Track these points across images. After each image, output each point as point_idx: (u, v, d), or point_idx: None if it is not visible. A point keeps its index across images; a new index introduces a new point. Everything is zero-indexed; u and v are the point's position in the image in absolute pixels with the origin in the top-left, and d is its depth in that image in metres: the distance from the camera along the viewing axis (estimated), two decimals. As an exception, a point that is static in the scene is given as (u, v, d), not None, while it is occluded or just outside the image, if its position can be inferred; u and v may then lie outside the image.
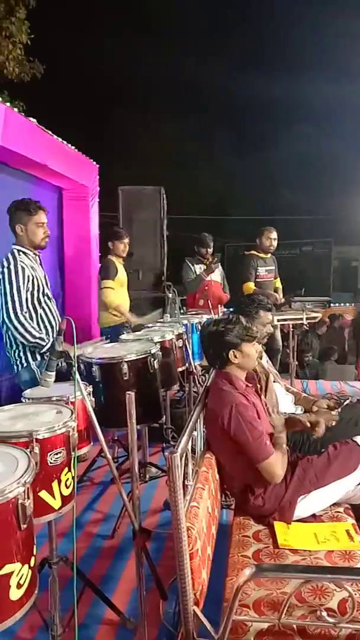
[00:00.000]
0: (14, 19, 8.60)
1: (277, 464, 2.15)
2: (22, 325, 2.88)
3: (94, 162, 5.87)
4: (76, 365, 2.02)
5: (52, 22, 10.44)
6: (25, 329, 2.89)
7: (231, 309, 5.84)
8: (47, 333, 3.03)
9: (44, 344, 2.92)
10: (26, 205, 3.06)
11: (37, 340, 2.92)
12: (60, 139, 4.89)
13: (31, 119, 4.35)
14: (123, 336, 3.65)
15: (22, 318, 2.88)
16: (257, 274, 5.41)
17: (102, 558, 2.72)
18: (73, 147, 5.23)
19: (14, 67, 8.82)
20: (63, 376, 2.20)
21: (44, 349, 2.92)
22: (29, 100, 8.93)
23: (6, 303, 2.87)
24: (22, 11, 8.74)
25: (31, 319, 2.98)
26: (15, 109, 4.26)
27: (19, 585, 1.33)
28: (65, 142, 5.01)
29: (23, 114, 4.35)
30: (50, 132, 4.66)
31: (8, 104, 4.03)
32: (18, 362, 3.04)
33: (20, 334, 2.89)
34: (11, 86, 9.17)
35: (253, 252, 5.51)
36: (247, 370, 2.43)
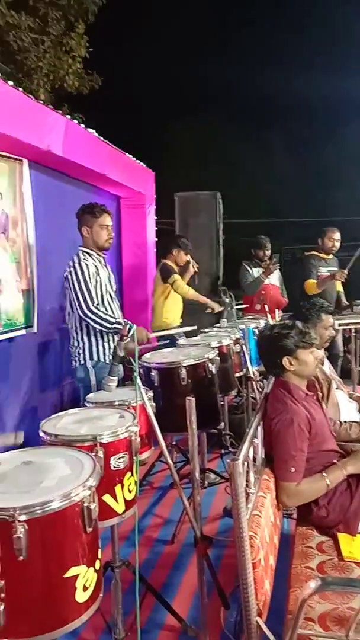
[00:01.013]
0: (74, 34, 8.89)
1: (289, 492, 2.06)
2: (97, 315, 3.04)
3: (151, 170, 5.95)
4: (137, 370, 2.04)
5: (109, 35, 10.70)
6: (101, 318, 3.05)
7: (289, 314, 5.73)
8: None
9: (121, 327, 3.04)
10: (92, 208, 3.27)
11: (115, 325, 3.06)
12: (118, 149, 4.99)
13: (90, 129, 4.47)
14: (180, 341, 3.67)
15: (94, 309, 3.04)
16: (319, 274, 5.27)
17: (162, 563, 2.73)
18: (130, 156, 5.32)
19: (74, 80, 9.12)
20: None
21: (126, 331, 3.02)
22: (88, 111, 9.20)
23: (78, 299, 3.05)
24: (81, 26, 9.02)
25: None
26: (75, 121, 4.38)
27: (84, 588, 1.35)
28: (122, 151, 5.11)
29: (83, 125, 4.47)
30: (108, 142, 4.77)
31: (68, 116, 4.16)
32: (76, 359, 3.19)
33: (98, 323, 3.05)
34: (70, 99, 9.47)
35: (314, 252, 5.38)
36: (305, 379, 2.34)
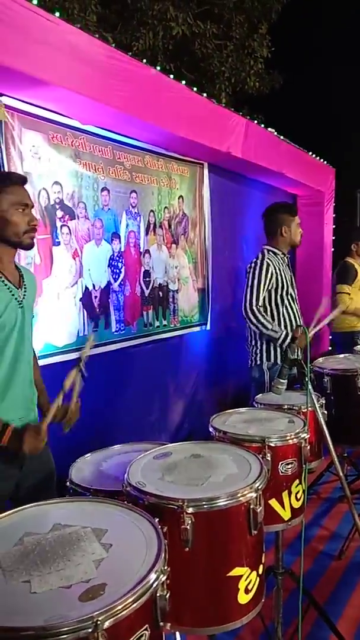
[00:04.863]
0: (256, 36, 8.91)
1: None
2: (256, 317, 3.01)
3: (331, 166, 5.71)
4: (309, 374, 1.96)
5: (291, 32, 10.48)
6: (258, 320, 3.01)
7: None
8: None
9: (276, 335, 3.00)
10: (289, 207, 3.29)
11: (270, 332, 3.01)
12: (297, 146, 4.88)
13: (270, 129, 4.44)
14: (358, 347, 3.45)
15: (255, 310, 3.02)
16: None
17: (328, 578, 2.60)
18: (310, 153, 5.17)
19: (254, 81, 9.14)
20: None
21: (279, 341, 3.01)
22: (268, 110, 9.16)
23: (245, 295, 3.06)
24: (264, 27, 9.00)
25: (272, 316, 3.09)
26: (255, 122, 4.39)
27: (247, 591, 1.34)
28: (302, 149, 4.99)
29: (262, 125, 4.47)
30: (287, 140, 4.69)
31: (248, 117, 4.19)
32: (253, 358, 3.19)
33: (254, 324, 3.03)
34: (251, 99, 9.52)
35: None
36: None
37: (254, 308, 3.01)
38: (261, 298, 3.03)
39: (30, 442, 1.63)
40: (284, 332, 2.98)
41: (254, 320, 3.02)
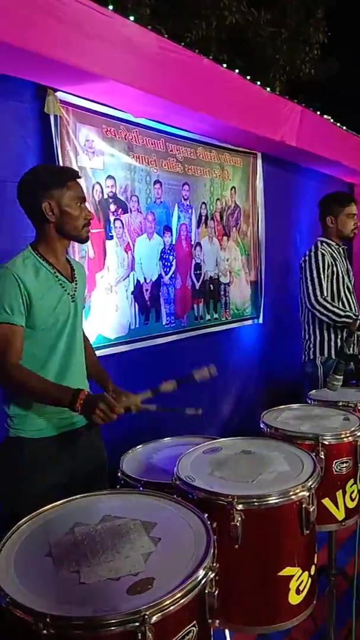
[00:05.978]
0: (312, 20, 8.61)
1: None
2: (324, 307, 2.93)
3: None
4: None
5: (349, 16, 10.09)
6: (328, 310, 2.93)
7: None
8: None
9: (350, 321, 2.89)
10: (339, 197, 3.19)
11: (344, 319, 2.91)
12: (354, 133, 4.71)
13: (326, 116, 4.30)
14: None
15: (322, 301, 2.94)
16: None
17: (382, 581, 2.51)
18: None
19: (310, 68, 8.85)
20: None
21: (357, 326, 2.88)
22: (325, 97, 8.88)
23: (307, 288, 2.99)
24: (321, 11, 8.68)
25: None
26: (311, 109, 4.26)
27: (298, 591, 1.31)
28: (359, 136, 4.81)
29: (318, 112, 4.33)
30: (344, 128, 4.53)
31: (303, 104, 4.07)
32: (306, 353, 3.12)
33: (325, 315, 2.95)
34: (307, 86, 9.23)
35: None
36: None
37: (320, 299, 2.94)
38: (325, 288, 2.95)
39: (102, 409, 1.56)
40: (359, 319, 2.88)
41: (324, 311, 2.93)
